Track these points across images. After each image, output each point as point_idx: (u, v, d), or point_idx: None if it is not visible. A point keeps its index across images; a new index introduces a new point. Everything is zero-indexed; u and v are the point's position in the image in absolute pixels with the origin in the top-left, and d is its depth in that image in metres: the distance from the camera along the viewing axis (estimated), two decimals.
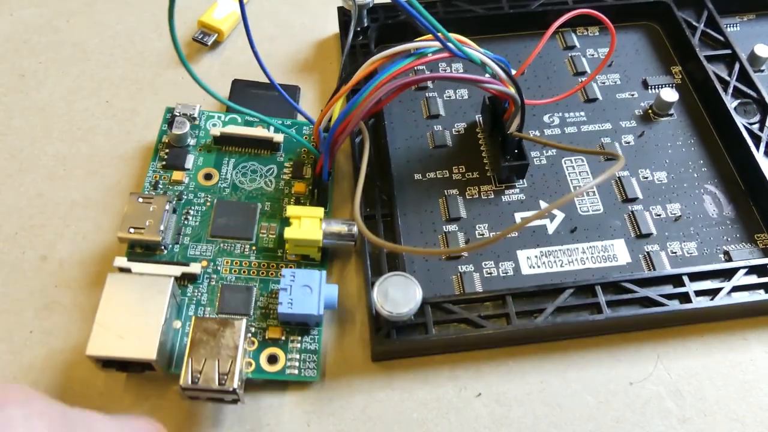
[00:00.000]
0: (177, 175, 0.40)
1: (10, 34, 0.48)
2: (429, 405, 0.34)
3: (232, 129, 0.40)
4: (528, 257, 0.38)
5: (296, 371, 0.34)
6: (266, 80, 0.37)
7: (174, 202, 0.38)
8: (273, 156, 0.41)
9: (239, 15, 0.49)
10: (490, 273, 0.37)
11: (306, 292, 0.34)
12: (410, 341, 0.34)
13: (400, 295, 0.33)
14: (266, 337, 0.35)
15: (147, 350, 0.31)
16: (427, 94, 0.45)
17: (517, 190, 0.40)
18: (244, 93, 0.44)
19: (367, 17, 0.46)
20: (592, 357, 0.36)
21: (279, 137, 0.40)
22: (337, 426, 0.34)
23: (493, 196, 0.40)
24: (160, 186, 0.39)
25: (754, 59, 0.45)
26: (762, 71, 0.46)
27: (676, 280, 0.36)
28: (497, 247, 0.38)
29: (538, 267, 0.37)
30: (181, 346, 0.34)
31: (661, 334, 0.36)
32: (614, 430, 0.34)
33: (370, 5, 0.45)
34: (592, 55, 0.47)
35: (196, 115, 0.41)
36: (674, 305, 0.35)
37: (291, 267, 0.36)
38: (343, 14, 0.47)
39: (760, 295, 0.35)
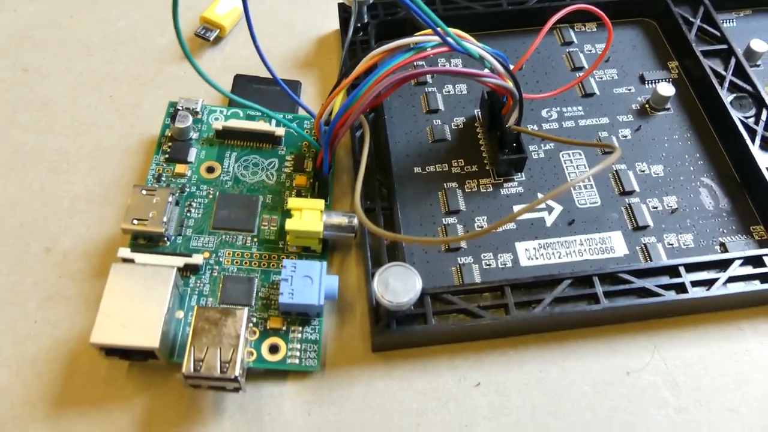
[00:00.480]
0: (180, 168, 0.40)
1: (13, 29, 0.49)
2: (428, 394, 0.35)
3: (234, 123, 0.41)
4: (526, 249, 0.38)
5: (297, 361, 0.34)
6: (268, 75, 0.37)
7: (177, 195, 0.38)
8: (274, 149, 0.42)
9: (241, 11, 0.49)
10: (489, 264, 0.37)
11: (307, 282, 0.35)
12: (410, 332, 0.34)
13: (400, 285, 0.33)
14: (267, 327, 0.35)
15: (150, 339, 0.32)
16: (426, 89, 0.45)
17: (516, 184, 0.41)
18: (246, 88, 0.45)
19: (366, 14, 0.46)
20: (590, 347, 0.36)
21: (280, 131, 0.41)
22: (337, 415, 0.34)
23: (491, 190, 0.40)
24: (164, 179, 0.40)
25: (750, 54, 0.46)
26: (758, 66, 0.46)
27: (673, 271, 0.36)
28: (496, 239, 0.38)
29: (537, 259, 0.38)
30: (183, 336, 0.34)
31: (658, 324, 0.37)
32: (611, 420, 0.34)
33: (370, 2, 0.46)
34: (590, 50, 0.47)
35: (198, 109, 0.42)
36: (671, 296, 0.35)
37: (292, 258, 0.37)
38: (343, 11, 0.48)
39: (755, 286, 0.36)
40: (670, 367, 0.35)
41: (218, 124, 0.41)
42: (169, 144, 0.41)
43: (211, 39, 0.48)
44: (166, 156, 0.41)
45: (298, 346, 0.35)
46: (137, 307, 0.33)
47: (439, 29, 0.33)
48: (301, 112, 0.43)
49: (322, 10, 0.51)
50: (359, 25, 0.46)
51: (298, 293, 0.34)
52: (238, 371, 0.31)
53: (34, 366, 0.35)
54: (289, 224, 0.36)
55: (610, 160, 0.30)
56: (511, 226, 0.39)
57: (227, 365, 0.31)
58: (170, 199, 0.37)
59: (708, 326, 0.37)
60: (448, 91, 0.45)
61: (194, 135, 0.42)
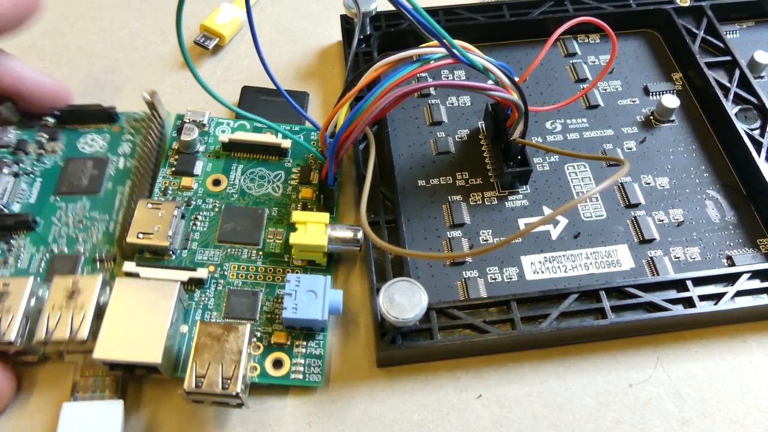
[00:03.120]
0: (186, 181, 0.40)
1: (15, 38, 0.48)
2: (429, 406, 0.34)
3: (240, 135, 0.41)
4: (532, 263, 0.38)
5: (301, 376, 0.34)
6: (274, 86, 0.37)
7: (182, 208, 0.38)
8: (281, 161, 0.41)
9: (242, 21, 0.49)
10: (495, 279, 0.37)
11: (311, 297, 0.34)
12: (415, 347, 0.34)
13: (405, 301, 0.33)
14: (272, 342, 0.35)
15: (152, 354, 0.32)
16: (429, 101, 0.45)
17: (521, 196, 0.41)
18: (253, 99, 0.45)
19: (369, 25, 0.46)
20: (592, 359, 0.36)
21: (287, 143, 0.41)
22: (338, 427, 0.34)
23: (496, 202, 0.40)
24: (170, 192, 0.40)
25: (753, 65, 0.46)
26: (762, 77, 0.46)
27: (680, 285, 0.36)
28: (501, 253, 0.38)
29: (542, 272, 0.38)
30: (187, 350, 0.34)
31: (661, 337, 0.37)
32: (614, 431, 0.34)
33: (373, 13, 0.46)
34: (594, 62, 0.47)
35: (205, 122, 0.42)
36: (678, 310, 0.35)
37: (297, 272, 0.37)
38: (346, 22, 0.48)
39: (763, 300, 0.36)
40: (674, 379, 0.35)
41: (224, 137, 0.41)
42: (176, 157, 0.41)
43: (211, 48, 0.48)
44: (173, 169, 0.40)
45: (302, 361, 0.35)
46: (140, 321, 0.32)
47: (444, 41, 0.33)
48: (309, 123, 0.43)
49: (324, 20, 0.51)
50: (362, 36, 0.46)
51: (301, 308, 0.34)
52: (239, 387, 0.31)
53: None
54: (293, 238, 0.36)
55: (618, 175, 0.30)
56: (517, 239, 0.39)
57: (229, 381, 0.31)
58: (176, 212, 0.37)
59: (711, 339, 0.37)
60: (452, 103, 0.45)
61: (201, 147, 0.41)
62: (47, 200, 0.39)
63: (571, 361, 0.36)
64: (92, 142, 0.41)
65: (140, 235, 0.36)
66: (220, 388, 0.31)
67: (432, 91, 0.45)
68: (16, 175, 0.39)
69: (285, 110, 0.43)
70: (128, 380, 0.34)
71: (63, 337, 0.32)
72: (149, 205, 0.37)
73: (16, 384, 0.34)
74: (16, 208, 0.39)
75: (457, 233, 0.39)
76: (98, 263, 0.37)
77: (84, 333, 0.32)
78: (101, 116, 0.42)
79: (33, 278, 0.33)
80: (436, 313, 0.35)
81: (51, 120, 0.42)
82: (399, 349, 0.34)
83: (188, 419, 0.34)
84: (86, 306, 0.32)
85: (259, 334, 0.35)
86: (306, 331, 0.35)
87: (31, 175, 0.40)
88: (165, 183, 0.40)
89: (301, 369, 0.34)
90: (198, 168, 0.41)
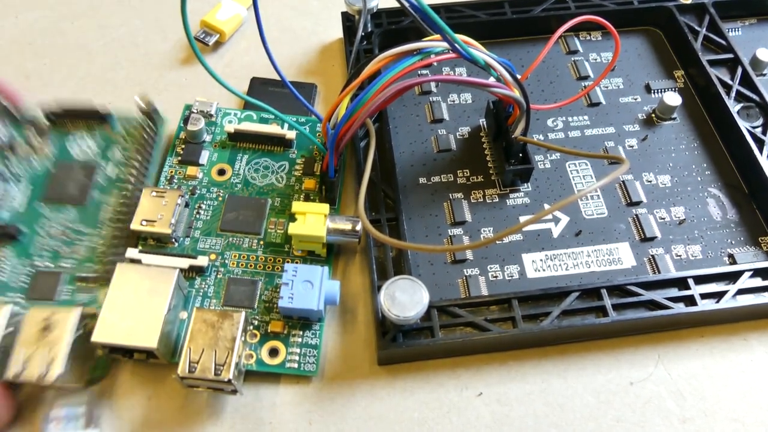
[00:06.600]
0: (191, 170, 0.40)
1: (15, 36, 0.49)
2: (430, 404, 0.34)
3: (246, 126, 0.41)
4: (533, 261, 0.38)
5: (296, 365, 0.34)
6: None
7: (186, 197, 0.39)
8: (285, 153, 0.42)
9: (242, 18, 0.49)
10: (496, 276, 0.37)
11: (307, 287, 0.34)
12: (417, 345, 0.34)
13: (407, 299, 0.33)
14: (268, 331, 0.35)
15: (149, 339, 0.32)
16: (431, 99, 0.45)
17: (522, 194, 0.40)
18: (261, 91, 0.45)
19: (370, 22, 0.46)
20: (593, 357, 0.36)
21: (291, 134, 0.41)
22: (338, 425, 0.34)
23: (497, 200, 0.40)
24: (175, 180, 0.40)
25: (756, 63, 0.46)
26: (764, 75, 0.46)
27: (681, 283, 0.36)
28: (502, 251, 0.38)
29: (544, 270, 0.37)
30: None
31: (661, 335, 0.37)
32: (615, 430, 0.34)
33: (374, 10, 0.46)
34: (595, 59, 0.47)
35: (213, 112, 0.42)
36: (680, 308, 0.35)
37: (297, 262, 0.37)
38: (347, 19, 0.47)
39: (765, 298, 0.36)
40: (674, 377, 0.35)
41: (230, 127, 0.41)
42: (183, 146, 0.41)
43: (210, 44, 0.48)
44: (179, 158, 0.41)
45: (298, 350, 0.35)
46: (139, 307, 0.33)
47: (446, 35, 0.33)
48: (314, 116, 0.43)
49: (325, 18, 0.51)
50: (363, 33, 0.45)
51: (297, 297, 0.34)
52: (232, 374, 0.31)
53: None
54: (292, 228, 0.36)
55: (617, 172, 0.30)
56: (518, 237, 0.39)
57: (221, 368, 0.31)
58: (179, 201, 0.37)
59: (713, 337, 0.37)
60: (453, 101, 0.45)
61: (207, 137, 0.42)
62: (33, 207, 0.39)
63: (572, 359, 0.36)
64: (81, 142, 0.41)
65: (144, 223, 0.36)
66: (212, 374, 0.31)
67: (433, 88, 0.45)
68: (4, 179, 0.39)
69: (291, 102, 0.43)
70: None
71: (32, 377, 0.31)
72: (153, 194, 0.37)
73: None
74: (5, 215, 0.38)
75: (458, 231, 0.39)
76: (79, 283, 0.36)
77: (53, 375, 0.31)
78: (93, 117, 0.42)
79: (11, 306, 0.33)
80: (437, 311, 0.35)
81: (44, 120, 0.42)
82: (400, 348, 0.34)
83: (187, 408, 0.34)
84: (59, 343, 0.32)
85: (256, 323, 0.35)
86: (303, 320, 0.35)
87: (21, 179, 0.40)
88: (171, 172, 0.40)
89: (297, 358, 0.34)
90: (204, 158, 0.41)
